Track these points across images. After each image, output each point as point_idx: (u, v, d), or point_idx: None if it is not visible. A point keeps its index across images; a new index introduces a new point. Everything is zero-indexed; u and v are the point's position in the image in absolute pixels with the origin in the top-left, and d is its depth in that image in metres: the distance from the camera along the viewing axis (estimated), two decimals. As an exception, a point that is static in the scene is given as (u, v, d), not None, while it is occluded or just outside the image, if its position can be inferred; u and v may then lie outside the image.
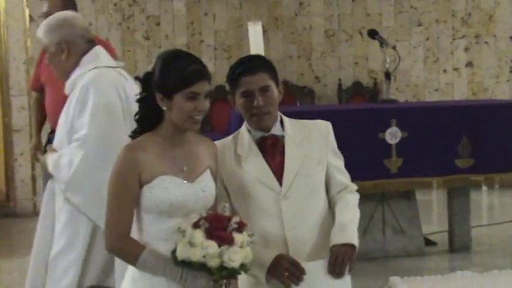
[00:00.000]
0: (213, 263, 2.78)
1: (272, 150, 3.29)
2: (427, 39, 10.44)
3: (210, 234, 2.78)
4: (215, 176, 3.14)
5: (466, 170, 6.17)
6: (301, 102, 10.44)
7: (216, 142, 3.28)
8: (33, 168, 8.87)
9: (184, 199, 2.93)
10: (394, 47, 6.63)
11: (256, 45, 4.74)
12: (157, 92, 2.94)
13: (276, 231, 3.22)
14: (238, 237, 2.82)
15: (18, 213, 8.77)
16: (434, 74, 10.43)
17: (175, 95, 2.91)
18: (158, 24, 10.40)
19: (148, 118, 3.01)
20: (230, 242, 2.79)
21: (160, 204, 2.91)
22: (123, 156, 2.96)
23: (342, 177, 3.39)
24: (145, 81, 3.00)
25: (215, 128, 9.48)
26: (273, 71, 3.30)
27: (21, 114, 8.81)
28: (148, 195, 2.92)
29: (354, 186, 3.41)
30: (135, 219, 3.00)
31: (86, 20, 9.33)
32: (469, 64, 10.30)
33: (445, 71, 10.39)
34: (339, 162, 3.39)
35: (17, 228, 8.41)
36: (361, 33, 10.66)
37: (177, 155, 3.00)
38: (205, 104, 2.96)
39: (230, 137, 3.36)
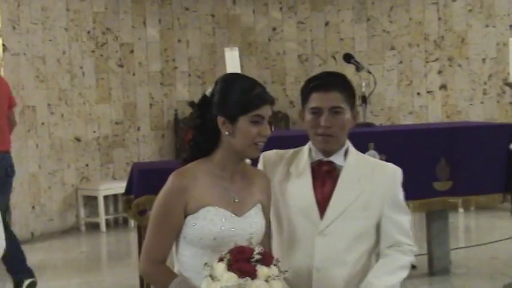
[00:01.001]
0: None
1: (324, 178, 3.05)
2: (400, 62, 10.52)
3: (231, 267, 2.57)
4: (266, 212, 2.95)
5: (445, 193, 6.17)
6: (275, 127, 10.44)
7: (275, 151, 3.11)
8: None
9: (230, 234, 2.74)
10: (369, 71, 6.65)
11: (233, 71, 4.72)
12: (220, 115, 2.77)
13: (303, 265, 2.98)
14: (263, 270, 2.58)
15: None
16: (408, 97, 10.50)
17: (240, 119, 2.75)
18: (132, 51, 10.38)
19: (202, 144, 2.84)
20: (251, 274, 2.55)
21: (204, 237, 2.75)
22: (171, 181, 2.78)
23: (397, 232, 3.04)
24: (203, 105, 2.84)
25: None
26: (350, 94, 3.05)
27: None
28: (192, 225, 2.76)
29: (411, 247, 3.07)
30: (176, 250, 2.85)
31: (59, 47, 9.37)
32: (443, 87, 10.37)
33: (418, 94, 10.46)
34: (398, 216, 3.05)
35: (-8, 260, 8.29)
36: (334, 58, 10.73)
37: (229, 186, 2.82)
38: (268, 129, 2.80)
39: (291, 151, 3.15)
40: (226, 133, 2.77)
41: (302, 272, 2.97)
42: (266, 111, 2.79)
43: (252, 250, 2.61)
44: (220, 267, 2.56)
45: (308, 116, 3.03)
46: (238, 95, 2.76)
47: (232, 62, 4.80)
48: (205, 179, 2.79)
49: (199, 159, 2.85)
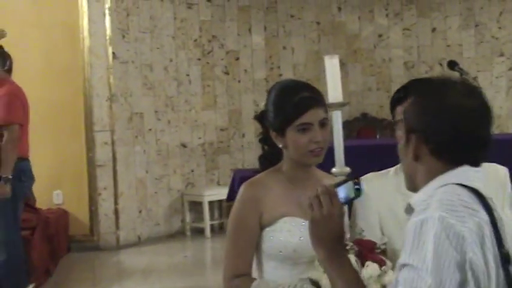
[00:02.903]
0: (375, 287, 2.48)
1: None
2: (510, 69, 10.26)
3: (363, 258, 2.49)
4: None
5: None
6: (380, 135, 10.35)
7: (369, 175, 2.95)
8: (116, 202, 9.01)
9: (310, 244, 2.56)
10: (475, 78, 6.51)
11: (332, 78, 4.70)
12: (271, 130, 2.76)
13: None
14: (387, 261, 2.53)
15: (101, 246, 8.90)
16: (517, 104, 10.24)
17: (287, 130, 2.68)
18: (237, 59, 10.50)
19: (269, 157, 2.84)
20: (383, 264, 2.50)
21: (284, 249, 2.66)
22: (243, 193, 2.74)
23: None
24: (261, 119, 2.85)
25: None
26: None
27: (104, 149, 8.97)
28: (270, 238, 2.69)
29: None
30: (255, 266, 2.78)
31: (166, 55, 9.57)
32: (554, 94, 10.07)
33: (528, 101, 10.19)
34: None
35: (100, 262, 8.54)
36: (441, 65, 10.54)
37: (301, 194, 2.66)
38: (323, 133, 2.68)
39: (392, 171, 2.93)
40: (280, 145, 2.74)
41: None
42: (312, 116, 2.67)
43: (371, 242, 2.59)
44: (351, 258, 2.40)
45: (398, 132, 2.87)
46: (279, 107, 2.71)
47: (332, 70, 4.76)
48: (277, 189, 2.73)
49: (268, 169, 2.82)
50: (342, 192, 2.06)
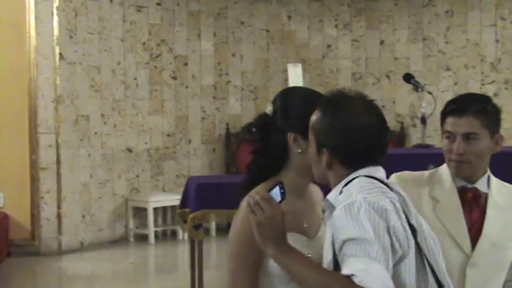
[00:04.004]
0: None
1: (470, 205, 2.91)
2: (456, 83, 10.38)
3: None
4: None
5: None
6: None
7: (409, 172, 2.94)
8: (58, 206, 8.81)
9: (312, 259, 2.46)
10: (429, 92, 6.55)
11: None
12: (291, 131, 2.58)
13: None
14: None
15: (43, 251, 8.69)
16: (462, 119, 10.34)
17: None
18: (186, 64, 10.40)
19: (266, 168, 2.64)
20: None
21: None
22: (246, 212, 2.48)
23: None
24: (265, 126, 2.65)
25: (241, 170, 9.41)
26: (490, 119, 2.87)
27: (48, 152, 8.77)
28: None
29: None
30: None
31: (114, 58, 9.43)
32: (498, 110, 10.20)
33: (473, 116, 10.30)
34: None
35: (41, 268, 8.34)
36: (388, 77, 10.63)
37: (299, 208, 2.60)
38: None
39: (426, 174, 2.98)
40: (299, 150, 2.58)
41: None
42: None
43: None
44: None
45: (444, 140, 2.90)
46: (308, 107, 2.54)
47: (295, 79, 4.73)
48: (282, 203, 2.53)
49: (266, 181, 2.62)
50: (273, 197, 2.34)
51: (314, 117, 2.42)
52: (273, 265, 2.49)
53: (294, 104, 2.63)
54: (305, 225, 2.62)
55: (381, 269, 2.09)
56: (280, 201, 2.33)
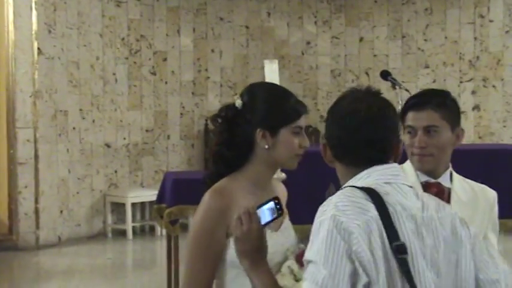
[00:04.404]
0: None
1: None
2: (434, 81, 10.44)
3: None
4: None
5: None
6: (306, 141, 10.40)
7: None
8: (36, 201, 8.78)
9: (273, 251, 2.51)
10: (406, 89, 6.57)
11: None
12: (260, 128, 2.59)
13: None
14: None
15: (20, 246, 8.66)
16: (440, 116, 10.40)
17: (282, 130, 2.59)
18: (165, 59, 10.39)
19: (232, 160, 2.63)
20: None
21: None
22: (210, 203, 2.55)
23: (499, 260, 3.02)
24: (233, 118, 2.64)
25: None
26: (449, 112, 2.90)
27: (26, 146, 8.74)
28: (233, 247, 2.49)
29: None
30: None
31: (93, 53, 9.40)
32: (476, 107, 10.28)
33: (451, 113, 10.36)
34: (495, 239, 2.98)
35: (19, 262, 8.31)
36: (367, 74, 10.68)
37: (261, 201, 2.53)
38: (308, 140, 2.65)
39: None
40: (266, 146, 2.59)
41: None
42: (303, 121, 2.65)
43: None
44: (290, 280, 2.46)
45: (405, 136, 2.91)
46: (280, 105, 2.60)
47: (271, 75, 4.72)
48: (241, 197, 2.58)
49: (229, 175, 2.64)
50: (265, 213, 2.34)
51: None
52: (233, 257, 2.52)
53: (265, 100, 2.64)
54: None
55: None
56: (276, 218, 2.35)
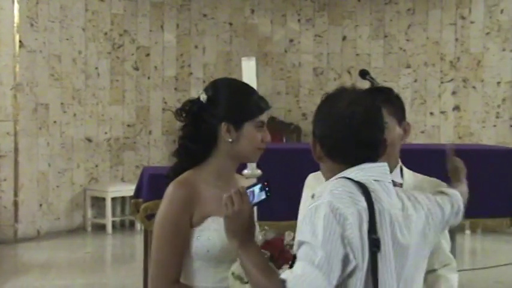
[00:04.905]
0: None
1: None
2: (415, 81, 10.50)
3: (277, 261, 2.50)
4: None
5: (454, 214, 6.13)
6: (287, 139, 10.44)
7: (314, 174, 2.87)
8: (15, 194, 8.78)
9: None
10: (385, 88, 6.62)
11: (249, 80, 4.68)
12: (225, 121, 2.65)
13: None
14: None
15: (-2, 239, 8.67)
16: (421, 116, 10.47)
17: (245, 124, 2.65)
18: (148, 55, 10.39)
19: (196, 154, 2.70)
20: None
21: (211, 248, 2.62)
22: (173, 193, 2.62)
23: (447, 248, 3.03)
24: (196, 112, 2.70)
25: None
26: (394, 107, 2.94)
27: (6, 139, 8.73)
28: (197, 238, 2.62)
29: (455, 263, 3.07)
30: None
31: (75, 47, 9.39)
32: (456, 108, 10.35)
33: (431, 113, 10.44)
34: (447, 232, 3.00)
35: (-3, 255, 8.31)
36: (349, 72, 10.72)
37: (224, 194, 2.60)
38: (269, 135, 2.71)
39: None
40: (230, 140, 2.66)
41: None
42: (266, 116, 2.72)
43: (280, 240, 2.60)
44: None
45: None
46: (244, 101, 2.68)
47: (249, 72, 4.75)
48: (205, 188, 2.66)
49: (193, 168, 2.70)
50: (255, 194, 2.40)
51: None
52: (196, 249, 2.61)
53: (229, 94, 2.70)
54: None
55: (318, 277, 2.10)
56: (265, 199, 2.39)
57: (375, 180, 2.29)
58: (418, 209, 2.35)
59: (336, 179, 2.28)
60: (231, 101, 2.68)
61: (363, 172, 2.29)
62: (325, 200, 2.18)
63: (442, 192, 2.60)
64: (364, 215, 2.19)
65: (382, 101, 2.85)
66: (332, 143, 2.32)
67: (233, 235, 2.36)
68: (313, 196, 2.30)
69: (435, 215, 2.43)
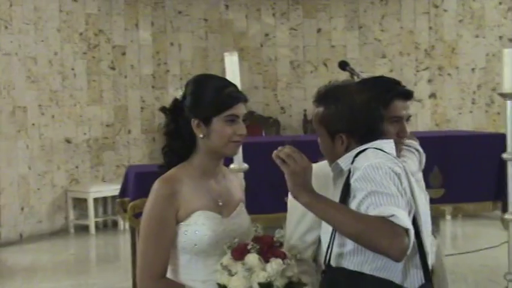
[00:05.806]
0: (281, 281, 2.56)
1: None
2: (391, 70, 10.55)
3: (265, 255, 2.57)
4: (246, 210, 2.93)
5: (437, 200, 6.20)
6: (266, 133, 10.46)
7: (318, 164, 2.89)
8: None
9: (223, 236, 2.69)
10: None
11: (232, 75, 4.73)
12: (193, 117, 2.73)
13: None
14: (287, 254, 2.63)
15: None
16: (398, 105, 10.51)
17: (214, 119, 2.71)
18: (124, 54, 10.37)
19: (179, 150, 2.78)
20: (285, 257, 2.60)
21: (199, 242, 2.68)
22: (158, 189, 2.68)
23: None
24: (175, 109, 2.78)
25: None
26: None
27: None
28: (184, 233, 2.69)
29: None
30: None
31: (51, 48, 9.35)
32: (432, 95, 10.44)
33: (409, 102, 10.48)
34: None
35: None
36: (325, 65, 10.76)
37: (212, 188, 2.78)
38: (244, 127, 2.77)
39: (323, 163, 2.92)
40: (201, 135, 2.73)
41: None
42: (240, 110, 2.75)
43: (269, 237, 2.65)
44: (254, 259, 2.56)
45: (388, 124, 2.95)
46: (210, 96, 2.72)
47: (231, 67, 4.79)
48: (190, 184, 2.72)
49: (178, 165, 2.78)
50: None
51: (318, 112, 2.71)
52: (183, 243, 2.69)
53: (201, 91, 2.75)
54: (220, 203, 2.79)
55: (407, 216, 2.36)
56: None
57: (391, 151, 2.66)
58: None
59: (363, 151, 2.58)
60: (198, 97, 2.74)
61: (380, 146, 2.61)
62: (376, 161, 2.48)
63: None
64: (403, 173, 2.53)
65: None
66: (366, 128, 2.62)
67: (302, 190, 2.48)
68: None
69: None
